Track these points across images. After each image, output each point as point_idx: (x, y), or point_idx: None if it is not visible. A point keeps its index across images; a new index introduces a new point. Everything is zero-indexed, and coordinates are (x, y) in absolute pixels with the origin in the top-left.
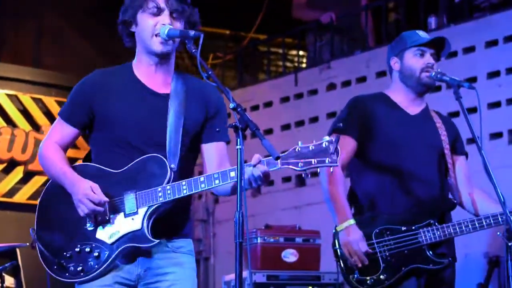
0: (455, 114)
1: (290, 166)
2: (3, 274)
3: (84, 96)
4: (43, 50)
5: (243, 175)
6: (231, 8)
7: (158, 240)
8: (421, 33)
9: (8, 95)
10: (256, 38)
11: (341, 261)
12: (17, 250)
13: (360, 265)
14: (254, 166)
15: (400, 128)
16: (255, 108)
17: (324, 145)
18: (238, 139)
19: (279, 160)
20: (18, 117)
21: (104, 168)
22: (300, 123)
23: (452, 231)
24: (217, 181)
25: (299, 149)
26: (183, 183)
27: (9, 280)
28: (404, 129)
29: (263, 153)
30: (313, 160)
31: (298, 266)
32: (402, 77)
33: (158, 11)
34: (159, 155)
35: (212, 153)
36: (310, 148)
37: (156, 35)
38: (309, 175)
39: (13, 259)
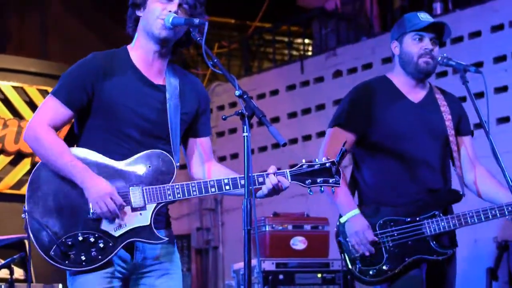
0: (462, 99)
1: (299, 183)
2: (12, 266)
3: (84, 78)
4: (48, 41)
5: (250, 164)
6: None
7: (167, 239)
8: (422, 15)
9: (14, 87)
10: (261, 26)
11: (344, 252)
12: (26, 241)
13: (367, 253)
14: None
15: (404, 117)
16: (261, 96)
17: (327, 165)
18: (245, 127)
19: (289, 175)
20: (24, 109)
21: (104, 157)
22: (306, 111)
23: (456, 222)
24: (227, 187)
25: (305, 166)
26: (193, 184)
27: (18, 272)
28: (408, 118)
29: (270, 140)
30: (318, 179)
31: (307, 253)
32: (401, 62)
33: None
34: (165, 152)
35: (205, 146)
36: (315, 166)
37: (160, 19)
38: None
39: (21, 250)
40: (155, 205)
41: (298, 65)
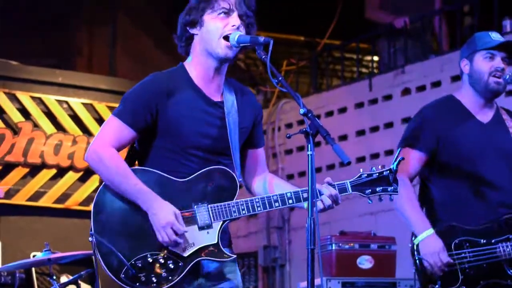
0: None
1: (359, 193)
2: (79, 282)
3: (148, 99)
4: (117, 58)
5: (314, 182)
6: (305, 15)
7: (235, 256)
8: (494, 35)
9: (84, 104)
10: (330, 43)
11: (421, 271)
12: (93, 257)
13: (440, 274)
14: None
15: (473, 138)
16: (329, 114)
17: (385, 174)
18: (309, 145)
19: (350, 186)
20: (94, 126)
21: (167, 175)
22: (375, 129)
23: None
24: (290, 201)
25: (364, 176)
26: (257, 200)
27: None
28: (478, 139)
29: (337, 158)
30: (377, 188)
31: (373, 272)
32: (471, 81)
33: (228, 12)
34: (226, 168)
35: (260, 157)
36: (374, 175)
37: (223, 38)
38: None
39: (89, 267)
40: (221, 222)
41: (366, 82)
